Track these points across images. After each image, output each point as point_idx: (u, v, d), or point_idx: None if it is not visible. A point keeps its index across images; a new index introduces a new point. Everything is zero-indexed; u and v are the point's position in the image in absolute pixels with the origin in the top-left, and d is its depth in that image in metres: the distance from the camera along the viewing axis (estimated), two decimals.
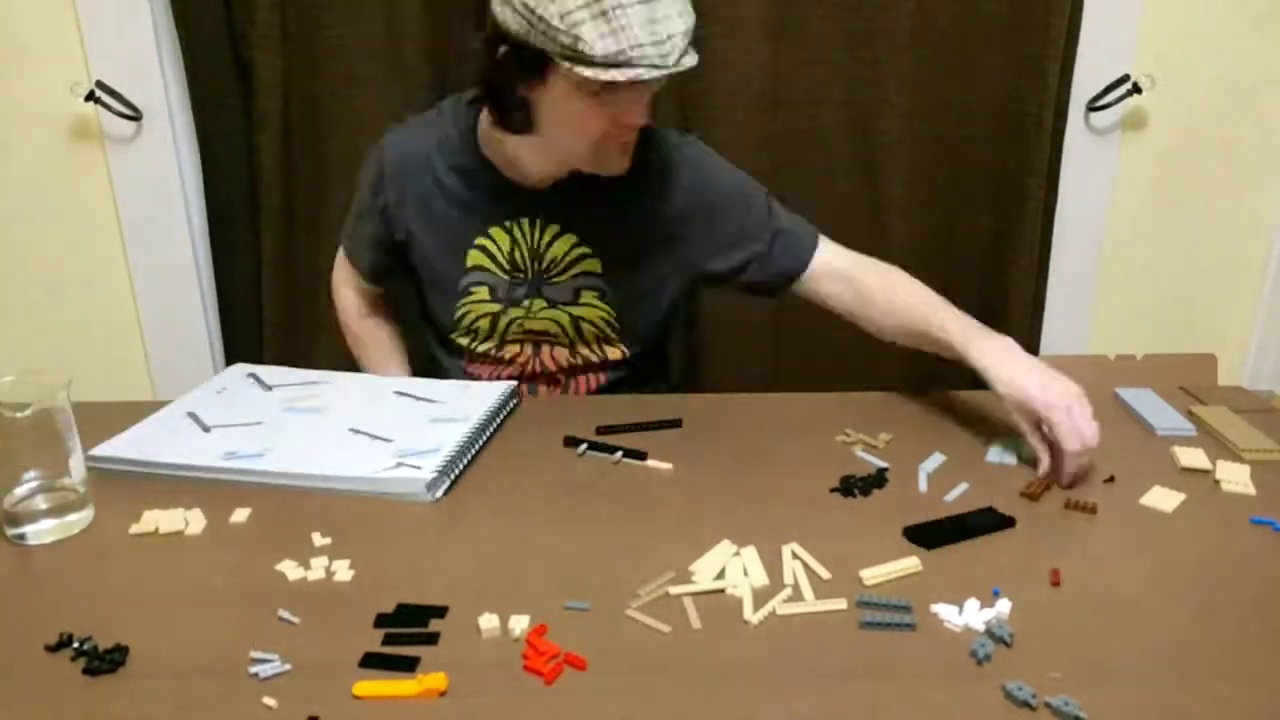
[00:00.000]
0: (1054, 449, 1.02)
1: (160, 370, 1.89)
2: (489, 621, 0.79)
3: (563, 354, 1.31)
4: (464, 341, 1.32)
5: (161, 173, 1.76)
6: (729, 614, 0.81)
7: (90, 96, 1.67)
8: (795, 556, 0.89)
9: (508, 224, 1.23)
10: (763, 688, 0.73)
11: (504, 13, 1.03)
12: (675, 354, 1.55)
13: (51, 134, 1.74)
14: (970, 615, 0.80)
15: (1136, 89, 1.70)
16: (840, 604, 0.82)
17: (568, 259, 1.24)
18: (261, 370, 1.28)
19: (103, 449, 1.06)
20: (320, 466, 1.02)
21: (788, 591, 0.84)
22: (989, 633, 0.78)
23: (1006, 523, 0.95)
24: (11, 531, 0.93)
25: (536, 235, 1.23)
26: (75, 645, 0.76)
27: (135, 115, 1.71)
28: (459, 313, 1.28)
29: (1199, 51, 1.72)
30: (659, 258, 1.26)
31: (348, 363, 1.43)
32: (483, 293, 1.26)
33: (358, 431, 1.10)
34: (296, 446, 1.07)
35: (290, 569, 0.87)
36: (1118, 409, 1.22)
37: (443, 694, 0.72)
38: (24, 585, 0.87)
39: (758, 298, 1.31)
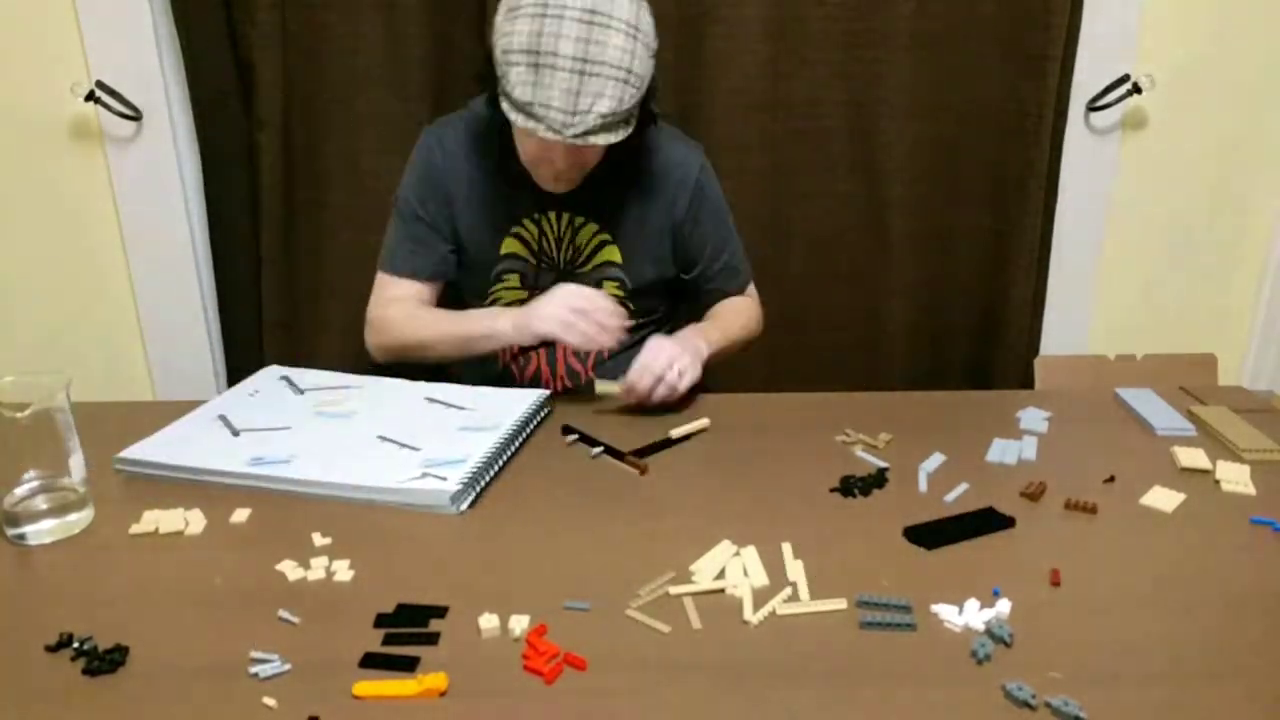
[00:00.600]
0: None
1: (160, 370, 1.89)
2: (489, 621, 0.79)
3: None
4: None
5: (161, 173, 1.76)
6: (729, 614, 0.81)
7: (90, 96, 1.67)
8: (795, 556, 0.89)
9: (537, 216, 1.31)
10: (763, 688, 0.73)
11: (493, 23, 1.13)
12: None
13: (51, 134, 1.74)
14: (970, 615, 0.80)
15: (1136, 89, 1.71)
16: (840, 604, 0.82)
17: (590, 245, 1.32)
18: (294, 373, 1.28)
19: (131, 452, 1.05)
20: (345, 475, 1.01)
21: (788, 591, 0.84)
22: (989, 633, 0.78)
23: (1006, 523, 0.95)
24: (11, 531, 0.93)
25: (563, 226, 1.31)
26: (75, 645, 0.76)
27: (135, 115, 1.71)
28: (490, 298, 1.36)
29: (1199, 51, 1.72)
30: (664, 253, 1.35)
31: (348, 363, 1.42)
32: (513, 280, 1.34)
33: (385, 439, 1.09)
34: (323, 453, 1.06)
35: (290, 569, 0.87)
36: (1118, 409, 1.22)
37: (443, 694, 0.72)
38: (24, 585, 0.87)
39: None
